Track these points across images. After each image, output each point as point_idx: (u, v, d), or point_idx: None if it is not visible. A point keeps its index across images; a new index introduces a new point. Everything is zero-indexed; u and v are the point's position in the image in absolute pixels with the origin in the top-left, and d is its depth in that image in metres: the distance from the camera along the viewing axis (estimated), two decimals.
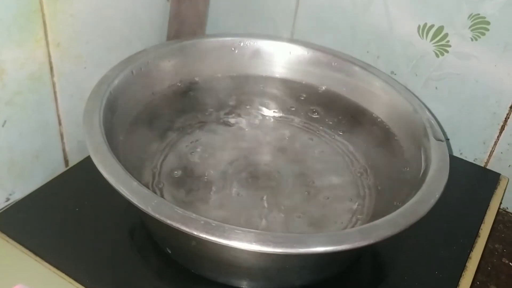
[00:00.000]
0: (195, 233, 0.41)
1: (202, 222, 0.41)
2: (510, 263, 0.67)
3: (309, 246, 0.41)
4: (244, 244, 0.40)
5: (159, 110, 0.61)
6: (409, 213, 0.45)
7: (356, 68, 0.65)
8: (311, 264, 0.49)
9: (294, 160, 0.63)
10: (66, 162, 0.66)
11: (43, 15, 0.56)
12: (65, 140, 0.64)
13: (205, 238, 0.40)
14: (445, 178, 0.49)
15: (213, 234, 0.40)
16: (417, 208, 0.45)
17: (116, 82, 0.55)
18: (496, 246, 0.69)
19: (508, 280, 0.66)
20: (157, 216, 0.41)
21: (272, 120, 0.68)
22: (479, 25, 0.63)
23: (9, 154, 0.59)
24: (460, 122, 0.70)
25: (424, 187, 0.48)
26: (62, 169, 0.64)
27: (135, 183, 0.44)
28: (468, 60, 0.66)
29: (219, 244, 0.41)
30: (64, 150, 0.65)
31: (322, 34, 0.73)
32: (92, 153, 0.46)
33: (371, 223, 0.44)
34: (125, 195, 0.43)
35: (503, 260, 0.67)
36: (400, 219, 0.44)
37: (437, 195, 0.47)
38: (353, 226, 0.54)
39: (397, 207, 0.45)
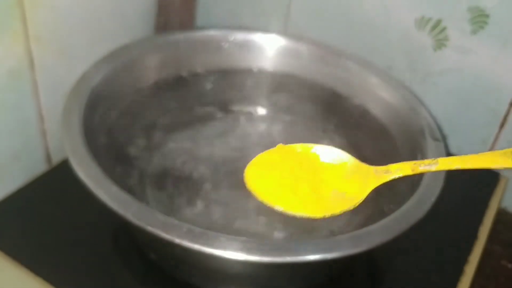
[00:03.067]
0: (177, 240, 0.39)
1: (185, 229, 0.39)
2: (510, 265, 0.65)
3: (298, 255, 0.39)
4: (229, 252, 0.38)
5: (145, 107, 0.59)
6: (403, 219, 0.43)
7: (351, 63, 0.62)
8: (302, 270, 0.47)
9: None
10: (49, 161, 0.64)
11: (22, 7, 0.53)
12: (48, 138, 0.62)
13: (187, 246, 0.38)
14: (441, 181, 0.47)
15: (196, 242, 0.39)
16: (412, 213, 0.43)
17: (97, 78, 0.52)
18: (495, 247, 0.67)
19: (508, 282, 0.64)
20: (137, 222, 0.39)
21: (263, 117, 0.65)
22: (479, 18, 0.61)
23: None
24: (458, 119, 0.68)
25: (420, 190, 0.46)
26: (44, 168, 0.62)
27: (114, 188, 0.42)
28: (467, 55, 0.64)
29: (203, 252, 0.39)
30: (47, 148, 0.63)
31: (316, 27, 0.71)
32: (70, 155, 0.44)
33: (364, 229, 0.42)
34: (104, 200, 0.41)
35: (502, 262, 0.66)
36: (393, 225, 0.42)
37: (433, 199, 0.45)
38: (344, 232, 0.53)
39: (390, 212, 0.43)
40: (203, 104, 0.64)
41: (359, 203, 0.37)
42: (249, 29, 0.65)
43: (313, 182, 0.35)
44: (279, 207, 0.36)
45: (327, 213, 0.36)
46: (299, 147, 0.38)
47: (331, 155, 0.38)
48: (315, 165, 0.36)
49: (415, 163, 0.39)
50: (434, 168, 0.39)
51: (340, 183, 0.36)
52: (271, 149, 0.39)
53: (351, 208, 0.37)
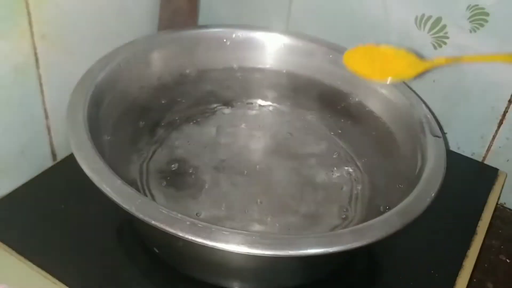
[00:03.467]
0: (180, 234, 0.39)
1: (188, 222, 0.40)
2: (508, 260, 0.66)
3: (299, 248, 0.40)
4: (231, 246, 0.39)
5: (148, 104, 0.59)
6: (404, 213, 0.43)
7: None
8: (303, 264, 0.47)
9: (287, 155, 0.61)
10: (54, 156, 0.64)
11: (27, 5, 0.54)
12: (52, 134, 0.63)
13: (190, 239, 0.39)
14: (441, 176, 0.47)
15: (199, 236, 0.39)
16: (412, 208, 0.44)
17: (102, 75, 0.53)
18: (494, 242, 0.67)
19: (505, 277, 0.64)
20: (141, 216, 0.40)
21: (264, 114, 0.66)
22: (478, 16, 0.62)
23: None
24: (458, 116, 0.69)
25: (420, 185, 0.46)
26: (49, 164, 0.63)
27: (119, 182, 0.42)
28: (466, 53, 0.64)
29: (206, 246, 0.39)
30: (51, 144, 0.63)
31: (317, 25, 0.72)
32: (75, 150, 0.44)
33: (365, 224, 0.43)
34: (108, 194, 0.41)
35: (500, 257, 0.66)
36: (394, 219, 0.43)
37: (433, 194, 0.45)
38: (345, 226, 0.53)
39: (392, 208, 0.44)
40: (205, 100, 0.65)
41: (410, 78, 0.52)
42: (251, 27, 0.65)
43: (383, 63, 0.53)
44: (361, 74, 0.53)
45: (390, 79, 0.52)
46: (383, 46, 0.54)
47: (399, 52, 0.53)
48: (388, 55, 0.54)
49: (447, 58, 0.54)
50: (460, 60, 0.57)
51: (401, 67, 0.52)
52: (362, 45, 0.55)
53: (404, 79, 0.57)
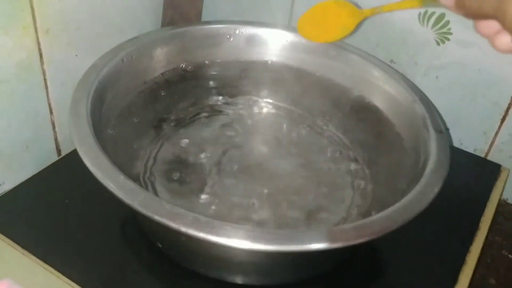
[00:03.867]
0: (183, 229, 0.39)
1: (191, 218, 0.40)
2: (510, 256, 0.66)
3: (302, 243, 0.40)
4: (234, 241, 0.39)
5: (151, 99, 0.59)
6: (407, 209, 0.43)
7: (354, 57, 0.63)
8: (306, 259, 0.48)
9: (289, 151, 0.61)
10: (59, 151, 0.65)
11: (30, 0, 0.54)
12: (57, 129, 0.63)
13: (193, 234, 0.39)
14: (445, 172, 0.47)
15: (201, 231, 0.39)
16: (415, 204, 0.44)
17: (105, 70, 0.53)
18: (496, 238, 0.67)
19: (508, 273, 0.64)
20: (143, 211, 0.40)
21: (267, 109, 0.66)
22: None
23: None
24: (460, 112, 0.69)
25: (423, 181, 0.46)
26: (54, 159, 0.63)
27: (121, 177, 0.42)
28: (470, 48, 0.64)
29: (209, 241, 0.39)
30: (56, 139, 0.64)
31: None
32: (78, 145, 0.45)
33: (367, 219, 0.43)
34: (111, 189, 0.41)
35: (502, 253, 0.66)
36: (397, 215, 0.43)
37: (436, 190, 0.45)
38: (347, 222, 0.53)
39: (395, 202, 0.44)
40: (208, 95, 0.65)
41: (353, 28, 0.59)
42: (254, 23, 0.65)
43: (329, 20, 0.59)
44: (314, 40, 0.61)
45: (332, 40, 0.61)
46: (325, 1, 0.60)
47: (338, 1, 0.59)
48: (331, 7, 0.59)
49: (372, 9, 0.58)
50: (381, 10, 0.57)
51: (344, 18, 0.59)
52: (311, 8, 0.61)
53: (349, 31, 0.60)
